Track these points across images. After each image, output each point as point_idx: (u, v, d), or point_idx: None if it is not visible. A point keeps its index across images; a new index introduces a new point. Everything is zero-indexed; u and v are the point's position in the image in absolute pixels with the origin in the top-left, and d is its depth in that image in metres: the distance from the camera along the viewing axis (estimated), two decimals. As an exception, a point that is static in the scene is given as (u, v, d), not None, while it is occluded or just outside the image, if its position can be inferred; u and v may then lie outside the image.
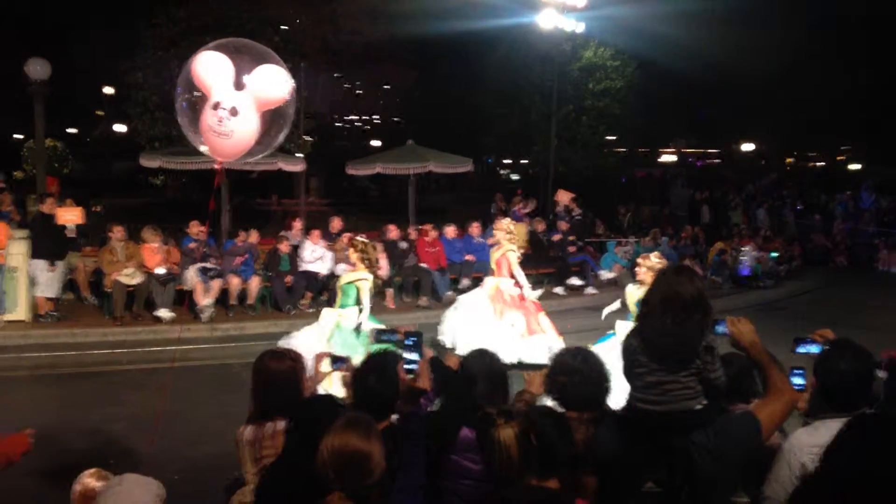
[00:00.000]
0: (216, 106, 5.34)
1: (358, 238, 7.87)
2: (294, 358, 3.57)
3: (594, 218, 17.55)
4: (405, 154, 16.42)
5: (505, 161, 34.38)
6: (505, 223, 9.39)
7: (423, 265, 12.77)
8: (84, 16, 25.70)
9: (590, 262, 14.46)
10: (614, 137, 23.67)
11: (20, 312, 10.87)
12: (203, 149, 5.67)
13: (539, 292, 9.11)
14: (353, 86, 28.20)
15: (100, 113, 35.11)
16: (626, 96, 21.37)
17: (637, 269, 7.05)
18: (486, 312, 8.97)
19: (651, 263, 6.82)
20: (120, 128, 28.88)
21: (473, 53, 24.14)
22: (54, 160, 20.20)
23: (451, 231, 13.61)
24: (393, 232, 13.41)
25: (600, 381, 3.37)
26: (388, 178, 19.00)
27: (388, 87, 28.12)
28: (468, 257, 13.28)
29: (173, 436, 6.88)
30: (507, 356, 3.52)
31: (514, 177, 33.52)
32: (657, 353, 2.77)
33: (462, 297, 9.79)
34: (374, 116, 35.78)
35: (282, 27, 18.32)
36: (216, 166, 6.01)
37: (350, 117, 36.62)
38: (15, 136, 30.42)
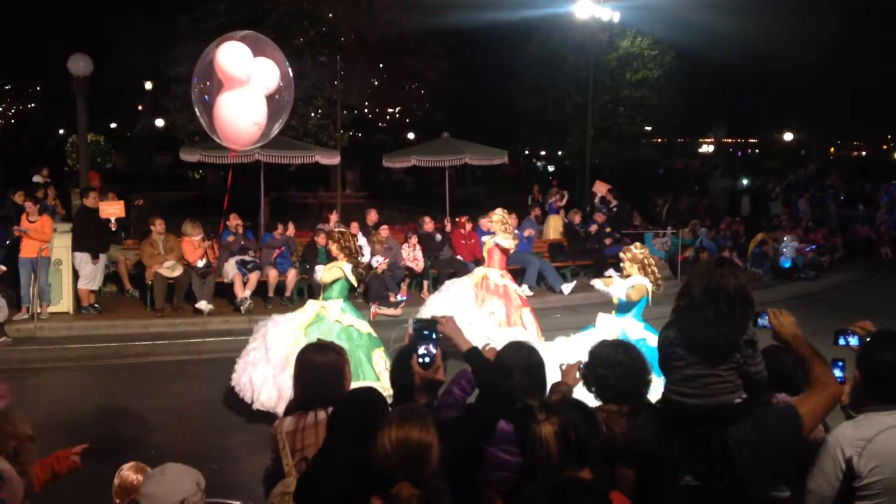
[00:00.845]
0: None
1: (335, 230, 8.00)
2: (338, 351, 3.60)
3: (631, 209, 17.38)
4: (441, 146, 16.43)
5: (541, 152, 34.22)
6: (499, 213, 9.36)
7: (459, 257, 12.78)
8: (126, 12, 26.13)
9: (627, 254, 14.31)
10: (651, 128, 23.41)
11: (64, 304, 11.13)
12: (214, 136, 5.80)
13: (525, 289, 9.00)
14: (389, 78, 28.21)
15: (141, 108, 35.74)
16: (664, 86, 21.11)
17: (621, 262, 6.91)
18: (468, 299, 9.00)
19: (633, 255, 6.72)
20: (160, 122, 29.36)
21: (508, 44, 24.02)
22: (97, 155, 20.64)
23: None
24: (428, 224, 13.44)
25: (641, 374, 3.35)
26: (424, 170, 19.04)
27: (424, 79, 28.10)
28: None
29: (211, 426, 7.01)
30: (478, 343, 3.52)
31: (550, 168, 33.34)
32: (697, 347, 2.73)
33: (449, 282, 9.80)
34: (409, 109, 35.83)
35: (318, 20, 18.42)
36: (231, 156, 6.19)
37: (386, 110, 36.72)
38: (60, 131, 31.18)
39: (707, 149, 36.44)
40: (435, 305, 9.03)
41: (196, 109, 5.76)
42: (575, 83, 20.51)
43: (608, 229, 14.63)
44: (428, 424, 2.60)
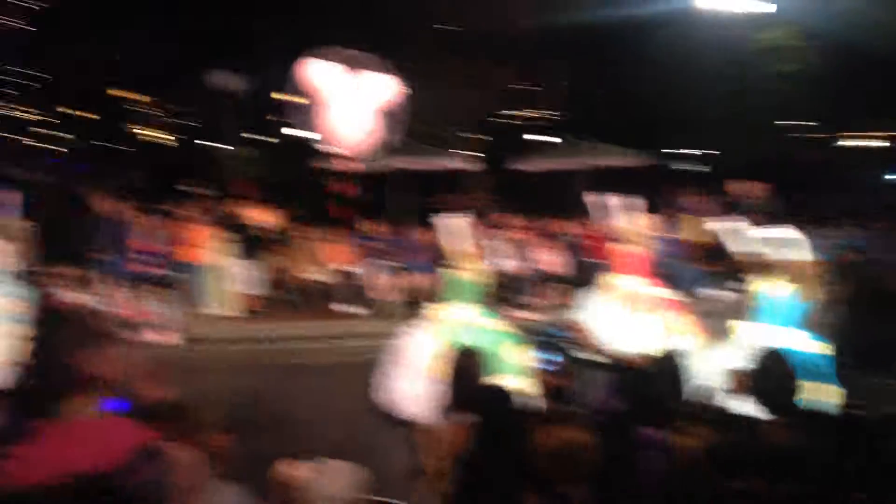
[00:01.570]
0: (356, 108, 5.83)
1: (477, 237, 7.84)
2: (482, 355, 3.72)
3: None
4: (573, 149, 16.28)
5: (678, 151, 33.05)
6: (639, 220, 9.04)
7: (592, 261, 12.59)
8: (272, 27, 27.52)
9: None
10: (800, 122, 22.12)
11: (226, 308, 11.93)
12: (325, 145, 6.19)
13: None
14: (521, 82, 28.15)
15: (287, 120, 37.36)
16: (813, 78, 19.91)
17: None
18: (617, 313, 8.67)
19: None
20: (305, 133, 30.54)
21: (639, 41, 23.37)
22: (250, 166, 21.83)
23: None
24: (561, 228, 13.35)
25: (793, 382, 3.27)
26: (556, 174, 18.90)
27: (556, 81, 27.85)
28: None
29: (366, 426, 7.29)
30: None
31: (686, 168, 32.15)
32: (870, 355, 2.64)
33: (591, 297, 9.49)
34: (543, 111, 35.57)
35: (449, 28, 18.72)
36: (342, 159, 6.61)
37: (519, 113, 36.62)
38: (215, 144, 33.21)
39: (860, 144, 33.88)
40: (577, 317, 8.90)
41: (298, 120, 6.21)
42: (716, 77, 19.72)
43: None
44: (585, 427, 2.66)
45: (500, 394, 3.44)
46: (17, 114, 30.73)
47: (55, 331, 2.06)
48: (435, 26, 18.25)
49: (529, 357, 7.21)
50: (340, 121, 5.89)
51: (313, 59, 6.02)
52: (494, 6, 19.97)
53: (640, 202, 9.04)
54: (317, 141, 18.52)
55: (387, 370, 7.33)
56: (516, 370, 7.14)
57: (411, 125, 17.67)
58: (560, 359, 3.27)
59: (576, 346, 3.50)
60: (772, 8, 17.22)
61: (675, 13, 20.12)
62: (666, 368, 3.45)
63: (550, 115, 34.14)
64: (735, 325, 6.62)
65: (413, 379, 7.06)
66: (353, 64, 6.01)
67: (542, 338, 3.63)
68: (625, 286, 8.81)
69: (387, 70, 6.13)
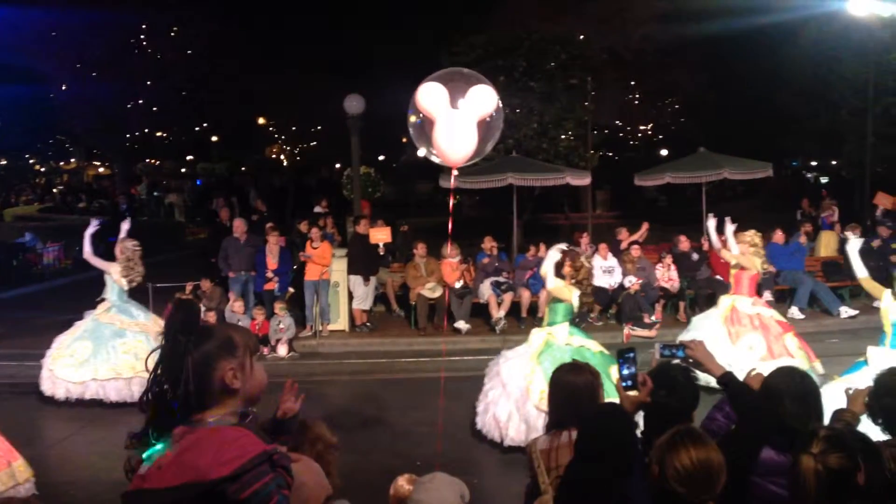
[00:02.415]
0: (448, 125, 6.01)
1: (570, 253, 7.55)
2: (593, 373, 3.63)
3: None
4: (697, 162, 15.74)
5: (810, 163, 31.41)
6: (749, 234, 8.68)
7: (718, 277, 12.10)
8: (393, 51, 28.41)
9: (920, 273, 12.62)
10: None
11: (341, 323, 12.27)
12: (435, 159, 6.38)
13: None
14: (642, 94, 27.66)
15: (404, 140, 38.48)
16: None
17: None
18: (721, 336, 8.35)
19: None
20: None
21: (770, 49, 22.40)
22: (368, 185, 22.45)
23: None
24: (684, 243, 12.91)
25: None
26: (678, 187, 18.35)
27: (679, 93, 27.15)
28: (769, 268, 12.34)
29: (470, 441, 7.30)
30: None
31: (823, 180, 30.43)
32: None
33: (696, 319, 9.21)
34: (662, 124, 34.80)
35: (569, 43, 18.63)
36: (452, 177, 6.81)
37: (638, 127, 35.97)
38: (336, 165, 34.57)
39: None
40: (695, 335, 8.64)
41: (413, 136, 6.48)
42: (852, 87, 18.60)
43: (894, 245, 13.01)
44: (715, 447, 2.63)
45: (601, 409, 3.32)
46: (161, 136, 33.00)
47: (193, 343, 2.15)
48: (557, 46, 18.17)
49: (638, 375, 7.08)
50: (449, 138, 6.05)
51: (426, 80, 6.25)
52: (617, 19, 19.76)
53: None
54: (431, 159, 18.92)
55: (486, 405, 7.34)
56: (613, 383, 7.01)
57: (529, 140, 17.77)
58: (631, 375, 3.17)
59: (693, 366, 3.34)
60: None
61: (812, 19, 19.17)
62: (787, 385, 3.25)
63: (674, 128, 33.35)
64: (868, 348, 6.22)
65: (515, 407, 7.03)
66: (460, 80, 6.17)
67: (660, 356, 3.48)
68: (740, 307, 8.57)
69: (491, 84, 6.28)
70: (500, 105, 6.41)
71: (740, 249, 8.73)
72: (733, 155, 15.94)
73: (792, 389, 3.25)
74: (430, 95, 6.14)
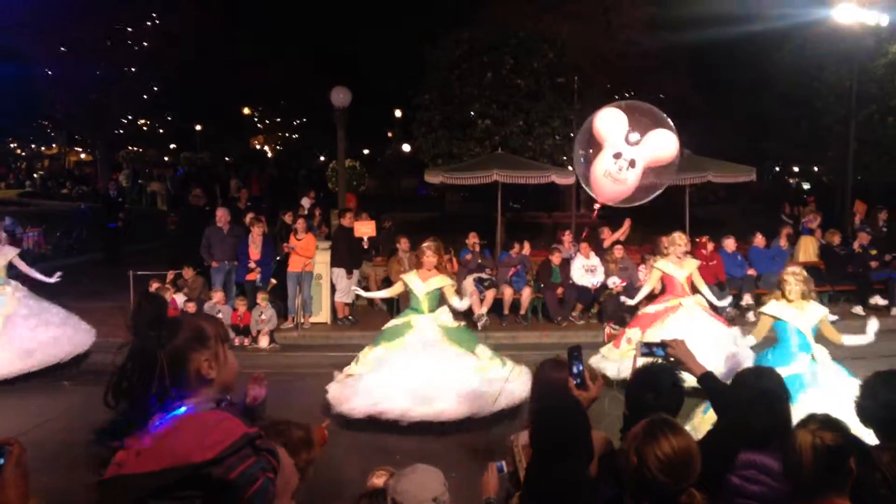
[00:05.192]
0: (618, 155, 5.95)
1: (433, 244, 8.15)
2: None
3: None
4: (682, 164, 15.81)
5: (793, 168, 31.69)
6: (676, 237, 9.33)
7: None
8: (378, 46, 28.36)
9: (896, 280, 12.79)
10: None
11: (323, 315, 12.24)
12: (587, 189, 6.40)
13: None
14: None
15: (390, 134, 38.45)
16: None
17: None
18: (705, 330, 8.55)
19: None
20: (406, 147, 31.40)
21: (755, 56, 22.58)
22: (353, 179, 22.42)
23: (730, 244, 12.84)
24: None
25: None
26: (668, 190, 18.44)
27: (663, 96, 27.24)
28: (750, 271, 12.48)
29: (460, 435, 7.29)
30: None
31: (806, 185, 30.74)
32: None
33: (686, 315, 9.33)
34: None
35: (555, 43, 18.66)
36: (595, 206, 6.85)
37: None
38: (321, 158, 34.50)
39: None
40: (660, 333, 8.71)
41: (576, 169, 6.48)
42: (835, 93, 18.80)
43: (874, 251, 13.17)
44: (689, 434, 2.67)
45: (573, 404, 3.32)
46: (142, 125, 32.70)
47: (166, 338, 2.14)
48: (543, 45, 18.17)
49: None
50: (607, 173, 6.10)
51: (609, 107, 6.28)
52: (602, 20, 19.80)
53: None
54: (420, 153, 18.86)
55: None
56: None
57: (514, 138, 17.78)
58: (579, 372, 3.22)
59: (673, 364, 3.38)
60: (884, 20, 16.20)
61: (797, 27, 19.33)
62: (764, 388, 3.27)
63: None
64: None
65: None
66: (641, 116, 6.20)
67: (640, 354, 3.51)
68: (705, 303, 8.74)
69: (671, 127, 6.27)
70: (679, 150, 6.40)
71: (671, 251, 9.23)
72: (718, 158, 16.06)
73: (764, 388, 3.29)
74: (609, 122, 6.14)
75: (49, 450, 6.02)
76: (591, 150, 6.36)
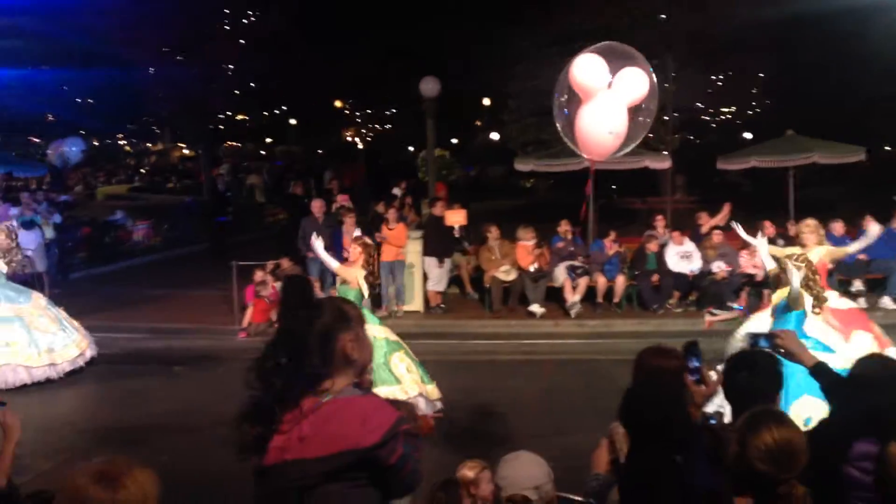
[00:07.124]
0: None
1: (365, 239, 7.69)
2: (679, 358, 3.54)
3: None
4: (784, 145, 15.19)
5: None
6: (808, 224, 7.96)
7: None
8: (467, 35, 28.32)
9: None
10: None
11: (415, 304, 12.37)
12: (571, 145, 6.11)
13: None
14: (724, 76, 26.80)
15: (478, 123, 38.41)
16: None
17: None
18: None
19: None
20: (495, 136, 31.32)
21: (854, 27, 21.35)
22: (443, 168, 22.55)
23: (838, 227, 12.21)
24: (769, 229, 12.43)
25: None
26: (763, 171, 17.71)
27: (762, 74, 26.18)
28: (861, 255, 11.84)
29: (546, 424, 7.26)
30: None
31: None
32: None
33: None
34: (745, 108, 33.63)
35: (651, 20, 18.22)
36: (591, 169, 6.48)
37: (720, 109, 34.86)
38: (410, 148, 34.82)
39: None
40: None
41: (557, 123, 6.20)
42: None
43: None
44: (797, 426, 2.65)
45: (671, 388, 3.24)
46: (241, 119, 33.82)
47: (319, 312, 2.23)
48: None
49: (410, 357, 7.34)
50: (593, 120, 5.86)
51: (582, 55, 6.05)
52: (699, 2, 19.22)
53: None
54: (509, 141, 18.76)
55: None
56: (393, 371, 7.03)
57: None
58: (697, 368, 3.15)
59: (784, 356, 3.28)
60: None
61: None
62: (879, 374, 3.12)
63: (760, 110, 32.20)
64: None
65: None
66: (615, 57, 5.96)
67: (746, 345, 3.44)
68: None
69: (645, 64, 6.00)
70: (655, 87, 6.14)
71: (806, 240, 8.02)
72: (823, 138, 15.31)
73: (884, 377, 3.13)
74: (588, 69, 5.91)
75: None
76: (571, 102, 5.97)
